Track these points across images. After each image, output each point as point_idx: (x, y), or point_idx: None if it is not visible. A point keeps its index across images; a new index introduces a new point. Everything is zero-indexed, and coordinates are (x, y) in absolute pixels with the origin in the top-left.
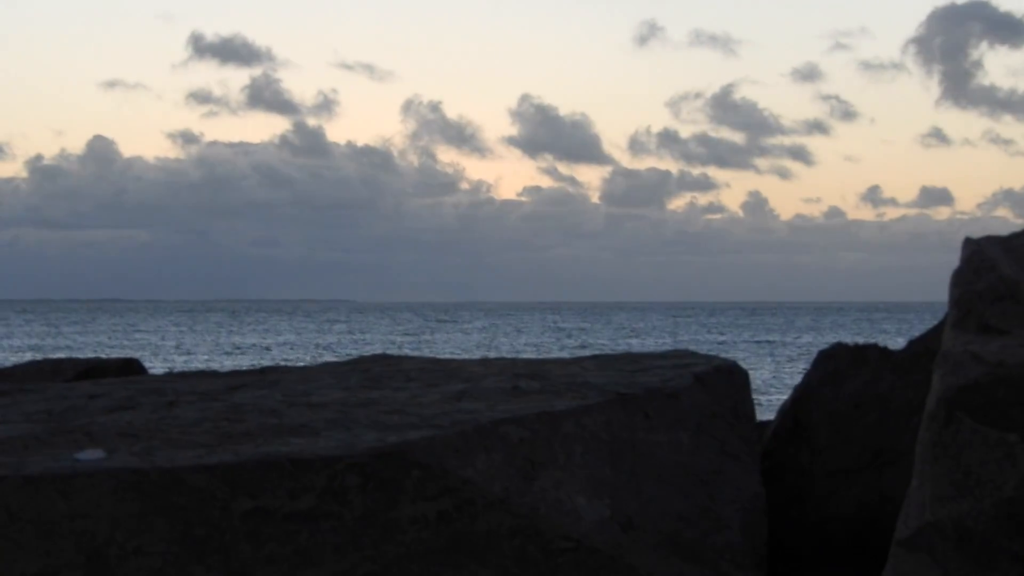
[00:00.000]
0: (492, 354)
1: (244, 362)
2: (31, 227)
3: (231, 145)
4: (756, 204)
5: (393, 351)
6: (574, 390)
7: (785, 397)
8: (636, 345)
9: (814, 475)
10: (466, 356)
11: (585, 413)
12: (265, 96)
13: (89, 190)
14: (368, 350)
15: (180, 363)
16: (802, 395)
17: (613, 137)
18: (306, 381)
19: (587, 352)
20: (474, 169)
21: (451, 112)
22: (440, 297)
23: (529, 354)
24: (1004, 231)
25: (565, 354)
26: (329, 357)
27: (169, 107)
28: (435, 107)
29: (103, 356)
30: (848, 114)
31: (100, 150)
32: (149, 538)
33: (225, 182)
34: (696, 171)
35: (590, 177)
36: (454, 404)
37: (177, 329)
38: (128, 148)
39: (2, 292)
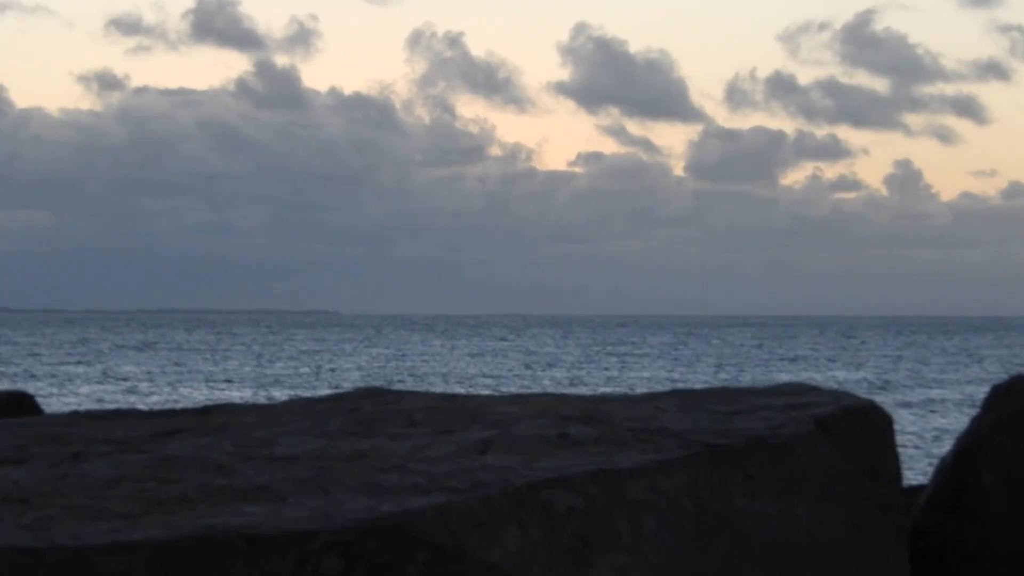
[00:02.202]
0: (529, 387)
1: (180, 398)
2: None
3: (168, 92)
4: (906, 178)
5: (391, 383)
6: (645, 440)
7: (944, 451)
8: (733, 377)
9: (984, 562)
10: (493, 391)
11: (661, 472)
12: (216, 25)
13: None
14: (356, 382)
15: (88, 399)
16: (968, 448)
17: (704, 84)
18: (268, 425)
19: (663, 386)
20: (509, 128)
21: (477, 48)
22: (458, 307)
23: (582, 388)
24: None
25: (632, 388)
26: (301, 391)
27: (81, 39)
28: (454, 41)
29: None
30: None
31: None
32: None
33: (159, 144)
34: (821, 132)
35: (672, 140)
36: (476, 459)
37: (86, 351)
38: (22, 96)
39: None
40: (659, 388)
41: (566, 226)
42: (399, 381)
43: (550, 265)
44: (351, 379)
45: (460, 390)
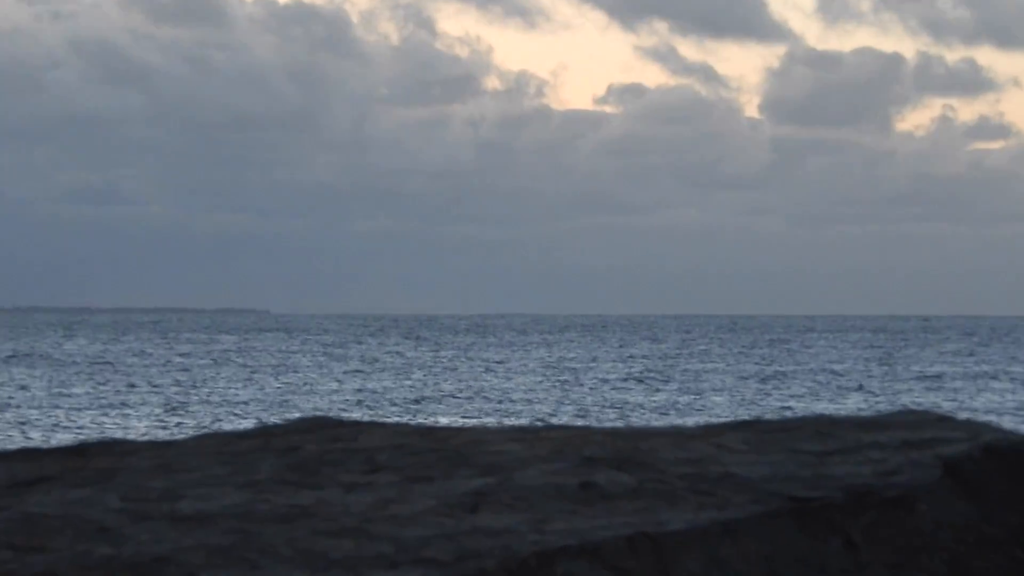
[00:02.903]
0: (542, 416)
1: (49, 431)
2: None
3: (29, 0)
4: None
5: (344, 410)
6: (705, 491)
7: None
8: (831, 402)
9: None
10: (490, 421)
11: (726, 537)
12: None
13: None
14: (296, 409)
15: None
16: None
17: None
18: (171, 470)
19: (730, 414)
20: (512, 51)
21: None
22: (443, 304)
23: (615, 417)
24: None
25: (688, 418)
26: (219, 423)
27: None
28: None
29: None
30: None
31: None
32: None
33: (16, 75)
34: (954, 55)
35: (742, 67)
36: (465, 518)
37: None
38: None
39: None
40: (725, 418)
41: (594, 190)
42: (357, 407)
43: (572, 245)
44: (289, 406)
45: (443, 420)
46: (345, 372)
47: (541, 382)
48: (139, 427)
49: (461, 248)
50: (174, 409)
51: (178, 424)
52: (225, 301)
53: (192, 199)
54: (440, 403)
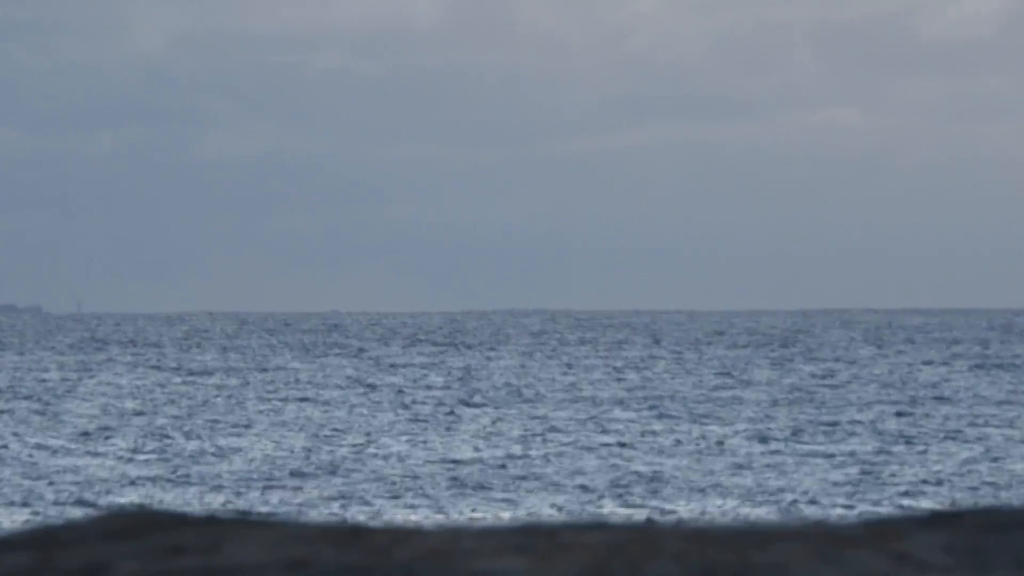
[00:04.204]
0: (571, 500)
1: None
2: None
3: None
4: None
5: (197, 495)
6: None
7: None
8: None
9: None
10: (469, 510)
11: None
12: None
13: None
14: (102, 494)
15: None
16: None
17: None
18: None
19: (918, 501)
20: None
21: None
22: (373, 297)
23: (706, 504)
24: None
25: (845, 508)
26: None
27: None
28: None
29: None
30: None
31: None
32: None
33: None
34: None
35: None
36: None
37: None
38: None
39: None
40: (912, 506)
41: (666, 75)
42: (219, 488)
43: (625, 177)
44: (91, 488)
45: (384, 514)
46: (197, 420)
47: (568, 431)
48: None
49: (414, 185)
50: None
51: None
52: (17, 296)
53: None
54: (378, 481)
